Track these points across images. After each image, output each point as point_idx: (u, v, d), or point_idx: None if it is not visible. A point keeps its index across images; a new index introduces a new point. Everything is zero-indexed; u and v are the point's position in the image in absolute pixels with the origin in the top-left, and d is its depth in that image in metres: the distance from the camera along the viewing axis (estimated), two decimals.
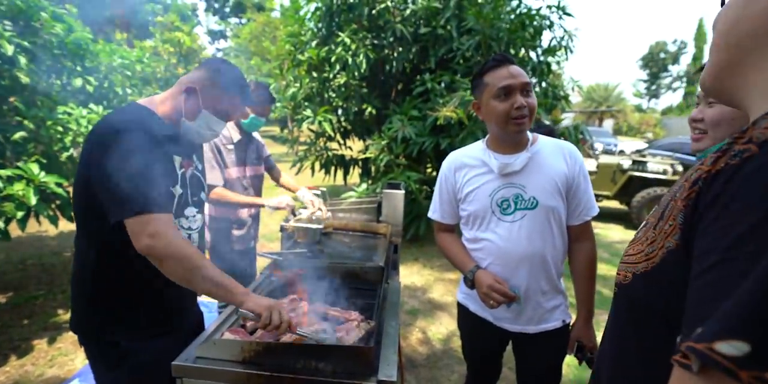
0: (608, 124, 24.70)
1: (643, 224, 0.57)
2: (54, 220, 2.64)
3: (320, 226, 2.01)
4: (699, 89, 1.15)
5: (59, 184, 2.55)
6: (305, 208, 2.15)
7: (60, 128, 2.80)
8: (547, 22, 4.87)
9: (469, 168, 1.44)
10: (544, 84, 5.12)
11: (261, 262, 1.99)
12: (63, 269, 3.82)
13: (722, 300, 0.33)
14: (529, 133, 1.39)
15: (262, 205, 2.13)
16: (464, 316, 1.58)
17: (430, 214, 1.59)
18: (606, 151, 9.45)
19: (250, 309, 1.05)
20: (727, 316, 0.32)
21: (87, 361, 2.37)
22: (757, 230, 0.34)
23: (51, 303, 3.17)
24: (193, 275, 1.04)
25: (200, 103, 1.22)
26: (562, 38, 4.96)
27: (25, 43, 2.58)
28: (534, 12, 4.79)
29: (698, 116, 1.08)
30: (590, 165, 6.96)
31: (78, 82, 3.13)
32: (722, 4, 0.54)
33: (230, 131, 2.22)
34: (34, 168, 2.56)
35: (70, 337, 2.70)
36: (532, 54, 5.06)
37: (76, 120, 2.89)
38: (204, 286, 1.05)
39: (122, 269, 1.15)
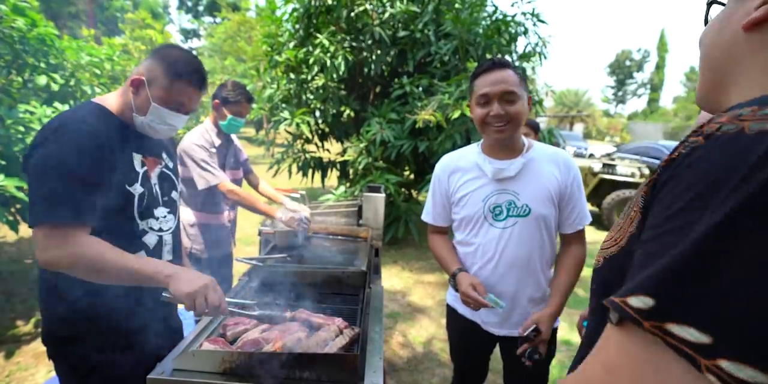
0: (578, 128, 25.57)
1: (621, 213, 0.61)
2: (14, 226, 2.49)
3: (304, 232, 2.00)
4: None
5: (19, 188, 2.41)
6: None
7: (21, 128, 2.64)
8: (522, 29, 4.99)
9: (463, 172, 1.44)
10: None
11: (239, 267, 1.93)
12: (23, 278, 3.60)
13: (646, 267, 0.38)
14: (525, 139, 1.40)
15: (274, 217, 2.02)
16: (452, 318, 1.58)
17: (423, 217, 1.60)
18: (577, 155, 9.78)
19: (174, 296, 1.02)
20: (642, 276, 0.37)
21: (49, 376, 2.26)
22: (687, 208, 0.38)
23: (9, 314, 2.97)
24: (105, 275, 1.02)
25: (149, 95, 1.14)
26: (536, 45, 5.09)
27: None
28: (510, 18, 4.89)
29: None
30: None
31: (42, 79, 2.97)
32: (705, 22, 0.57)
33: (210, 134, 2.15)
34: None
35: (30, 351, 2.54)
36: (508, 59, 5.17)
37: (39, 119, 2.74)
38: (122, 280, 1.05)
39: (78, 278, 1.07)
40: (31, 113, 2.74)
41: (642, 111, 44.19)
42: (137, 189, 1.16)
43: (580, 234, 1.41)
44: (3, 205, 2.42)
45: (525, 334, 1.27)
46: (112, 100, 1.19)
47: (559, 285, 1.36)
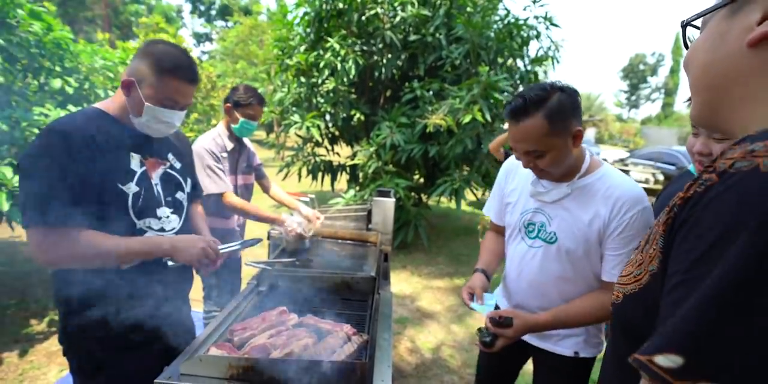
0: (590, 132, 25.29)
1: (636, 245, 0.60)
2: None
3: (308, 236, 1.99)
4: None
5: None
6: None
7: (36, 130, 2.68)
8: (535, 33, 4.95)
9: (518, 176, 1.39)
10: None
11: (249, 272, 1.93)
12: (37, 277, 3.65)
13: (670, 318, 0.38)
14: (591, 161, 1.23)
15: (280, 222, 1.99)
16: None
17: (484, 210, 1.60)
18: None
19: (182, 262, 1.17)
20: (667, 331, 0.36)
21: (61, 375, 2.27)
22: (707, 254, 0.37)
23: (23, 313, 3.01)
24: (107, 262, 1.09)
25: (140, 95, 1.13)
26: (549, 48, 5.05)
27: (0, 41, 2.47)
28: (522, 22, 4.86)
29: (705, 150, 1.06)
30: None
31: (56, 82, 3.01)
32: (686, 46, 0.57)
33: (222, 138, 2.15)
34: (7, 172, 2.44)
35: (43, 349, 2.57)
36: (520, 63, 5.14)
37: None
38: (123, 261, 1.12)
39: (85, 275, 1.11)
40: (46, 116, 2.79)
41: (656, 115, 43.54)
42: (131, 188, 1.16)
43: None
44: (18, 205, 2.44)
45: (498, 317, 1.17)
46: (110, 103, 1.21)
47: (562, 310, 1.20)
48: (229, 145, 2.16)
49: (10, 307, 3.09)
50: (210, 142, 2.09)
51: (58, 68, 3.06)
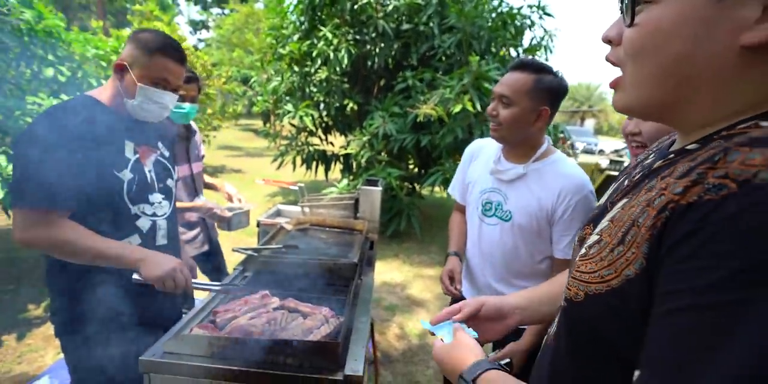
0: (590, 123, 25.16)
1: (595, 240, 0.51)
2: None
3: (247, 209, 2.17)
4: None
5: None
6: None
7: (29, 119, 2.71)
8: (528, 22, 4.93)
9: (480, 159, 1.51)
10: None
11: (236, 258, 1.99)
12: (33, 263, 3.72)
13: (694, 363, 0.33)
14: (547, 148, 1.37)
15: (198, 207, 2.00)
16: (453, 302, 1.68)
17: (449, 189, 1.70)
18: (586, 151, 9.67)
19: (145, 278, 1.13)
20: None
21: (57, 357, 2.35)
22: (739, 278, 0.32)
23: (20, 298, 3.09)
24: (80, 257, 1.12)
25: (133, 77, 1.19)
26: (542, 38, 5.04)
27: None
28: (515, 11, 4.84)
29: (635, 130, 1.11)
30: None
31: (49, 71, 3.02)
32: (632, 21, 0.47)
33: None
34: (2, 160, 2.48)
35: (40, 333, 2.64)
36: (513, 53, 5.13)
37: None
38: (95, 262, 1.14)
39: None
40: (39, 105, 2.81)
41: None
42: (126, 175, 1.21)
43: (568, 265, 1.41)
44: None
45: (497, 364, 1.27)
46: (102, 91, 1.25)
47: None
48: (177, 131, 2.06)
49: (8, 293, 3.16)
50: None
51: (50, 57, 3.07)
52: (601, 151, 10.14)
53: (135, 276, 1.13)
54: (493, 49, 4.75)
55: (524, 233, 1.35)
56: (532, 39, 5.08)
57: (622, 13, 0.48)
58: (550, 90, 1.26)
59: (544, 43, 5.02)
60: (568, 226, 1.29)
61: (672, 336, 0.36)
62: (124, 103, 1.22)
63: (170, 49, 1.22)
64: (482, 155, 1.51)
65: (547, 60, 5.33)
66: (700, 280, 0.34)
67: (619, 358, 0.46)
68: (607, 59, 0.53)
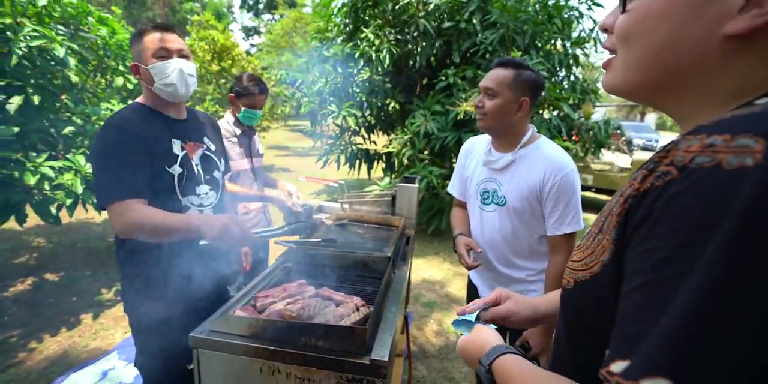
0: (651, 118, 23.47)
1: (588, 231, 0.55)
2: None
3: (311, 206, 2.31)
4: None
5: None
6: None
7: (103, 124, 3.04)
8: (576, 13, 4.73)
9: (474, 155, 1.65)
10: (572, 77, 4.98)
11: (277, 250, 2.12)
12: (107, 252, 4.15)
13: (646, 329, 0.35)
14: (531, 136, 1.50)
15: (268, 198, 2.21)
16: (470, 293, 1.87)
17: (448, 189, 1.84)
18: (645, 148, 9.03)
19: (208, 239, 1.21)
20: (651, 352, 0.34)
21: (125, 336, 2.63)
22: (677, 254, 0.35)
23: (96, 283, 3.47)
24: (161, 235, 1.23)
25: (144, 66, 1.32)
26: (591, 30, 4.81)
27: (75, 46, 2.81)
28: (563, 2, 4.66)
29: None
30: (625, 161, 6.72)
31: (119, 80, 3.37)
32: (624, 8, 0.48)
33: (230, 125, 2.33)
34: (81, 160, 2.81)
35: (111, 314, 2.96)
36: (560, 46, 4.93)
37: None
38: (174, 238, 1.25)
39: (136, 248, 1.34)
40: (111, 110, 3.14)
41: None
42: (176, 170, 1.35)
43: (562, 241, 1.46)
44: (90, 189, 2.81)
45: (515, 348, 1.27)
46: (146, 97, 1.40)
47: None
48: (237, 131, 2.33)
49: (85, 278, 3.56)
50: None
51: (121, 67, 3.41)
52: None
53: (202, 241, 1.22)
54: (538, 44, 4.61)
55: (519, 215, 1.48)
56: (580, 31, 4.86)
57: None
58: (528, 82, 1.41)
59: (593, 34, 4.79)
60: (555, 203, 1.42)
61: (624, 312, 0.39)
62: (155, 89, 1.34)
63: (150, 26, 1.34)
64: (475, 151, 1.66)
65: (596, 52, 5.08)
66: (648, 261, 0.38)
67: (599, 340, 0.47)
68: (604, 46, 0.55)
